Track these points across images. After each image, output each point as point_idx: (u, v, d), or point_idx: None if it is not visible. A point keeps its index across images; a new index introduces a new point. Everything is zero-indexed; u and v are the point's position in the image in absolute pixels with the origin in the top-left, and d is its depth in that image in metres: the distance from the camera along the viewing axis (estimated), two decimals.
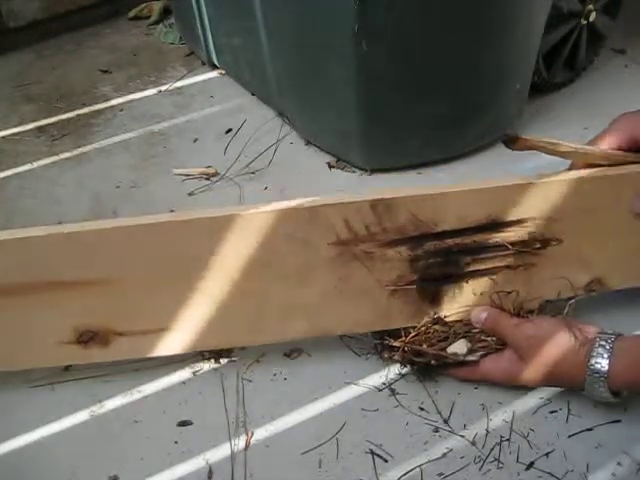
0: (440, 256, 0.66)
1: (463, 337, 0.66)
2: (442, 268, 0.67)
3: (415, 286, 0.67)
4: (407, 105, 0.89)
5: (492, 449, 0.62)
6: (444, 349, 0.65)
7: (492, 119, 0.96)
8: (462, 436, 0.63)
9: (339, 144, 0.98)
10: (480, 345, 0.66)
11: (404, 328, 0.67)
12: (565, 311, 0.67)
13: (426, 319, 0.67)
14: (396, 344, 0.66)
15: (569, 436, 0.62)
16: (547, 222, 0.66)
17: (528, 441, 0.62)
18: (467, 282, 0.68)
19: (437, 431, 0.63)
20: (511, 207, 0.65)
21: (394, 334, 0.67)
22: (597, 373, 0.59)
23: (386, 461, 0.62)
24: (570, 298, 0.68)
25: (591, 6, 1.03)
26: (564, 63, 1.08)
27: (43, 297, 0.64)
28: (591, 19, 1.05)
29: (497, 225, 0.66)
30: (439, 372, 0.67)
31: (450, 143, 0.96)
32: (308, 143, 1.02)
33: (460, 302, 0.68)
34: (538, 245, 0.67)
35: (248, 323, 0.67)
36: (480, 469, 0.60)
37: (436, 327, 0.67)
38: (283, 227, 0.63)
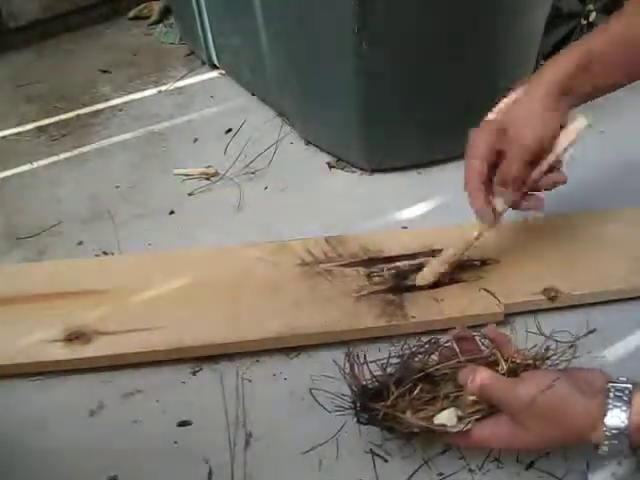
0: (392, 272, 0.76)
1: (453, 402, 0.57)
2: (397, 280, 0.75)
3: (377, 294, 0.73)
4: (407, 105, 0.89)
5: (492, 449, 0.62)
6: (430, 418, 0.56)
7: None
8: None
9: (339, 144, 0.98)
10: (472, 410, 0.56)
11: (385, 386, 0.58)
12: (566, 359, 0.58)
13: (412, 377, 0.58)
14: (376, 407, 0.57)
15: None
16: (477, 249, 0.74)
17: None
18: (424, 291, 0.73)
19: None
20: (443, 242, 0.75)
21: (374, 393, 0.58)
22: (616, 429, 0.51)
23: (386, 461, 0.62)
24: (570, 344, 0.60)
25: (591, 6, 1.03)
26: None
27: (37, 305, 0.73)
28: (591, 19, 1.05)
29: (434, 251, 0.76)
30: (426, 438, 0.60)
31: (450, 143, 0.96)
32: (308, 143, 1.02)
33: (423, 306, 0.71)
34: (478, 263, 0.76)
35: (225, 323, 0.71)
36: (480, 469, 0.60)
37: (423, 385, 0.58)
38: (257, 254, 0.78)
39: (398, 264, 0.77)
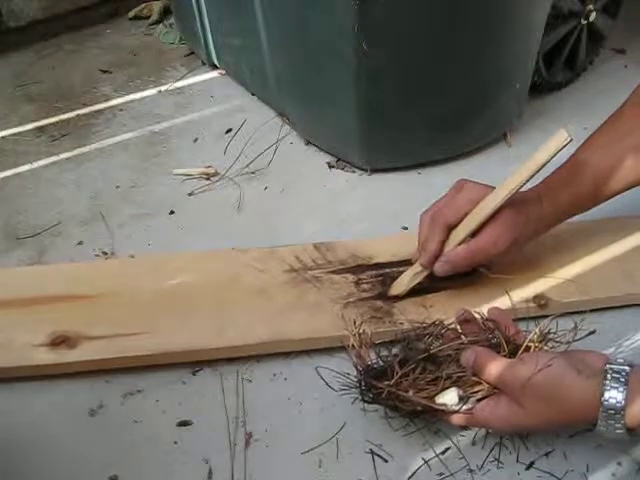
0: (380, 279, 0.75)
1: (455, 382, 0.58)
2: (385, 287, 0.74)
3: (365, 301, 0.73)
4: (407, 105, 0.89)
5: (492, 449, 0.62)
6: (433, 397, 0.58)
7: (492, 119, 0.96)
8: (462, 436, 0.63)
9: (339, 144, 0.98)
10: (474, 390, 0.58)
11: (390, 366, 0.60)
12: (566, 341, 0.60)
13: (416, 357, 0.60)
14: (380, 386, 0.59)
15: (569, 436, 0.62)
16: None
17: (528, 441, 0.62)
18: (413, 298, 0.73)
19: (437, 431, 0.63)
20: None
21: (378, 372, 0.60)
22: (612, 409, 0.52)
23: (386, 461, 0.62)
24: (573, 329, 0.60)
25: (591, 6, 1.03)
26: (564, 63, 1.08)
27: (25, 309, 0.73)
28: (591, 19, 1.05)
29: None
30: (428, 418, 0.62)
31: (450, 143, 0.96)
32: (308, 143, 1.02)
33: (411, 313, 0.71)
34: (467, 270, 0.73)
35: (212, 329, 0.70)
36: (480, 469, 0.60)
37: (426, 365, 0.59)
38: (246, 261, 0.78)
39: (387, 271, 0.76)
